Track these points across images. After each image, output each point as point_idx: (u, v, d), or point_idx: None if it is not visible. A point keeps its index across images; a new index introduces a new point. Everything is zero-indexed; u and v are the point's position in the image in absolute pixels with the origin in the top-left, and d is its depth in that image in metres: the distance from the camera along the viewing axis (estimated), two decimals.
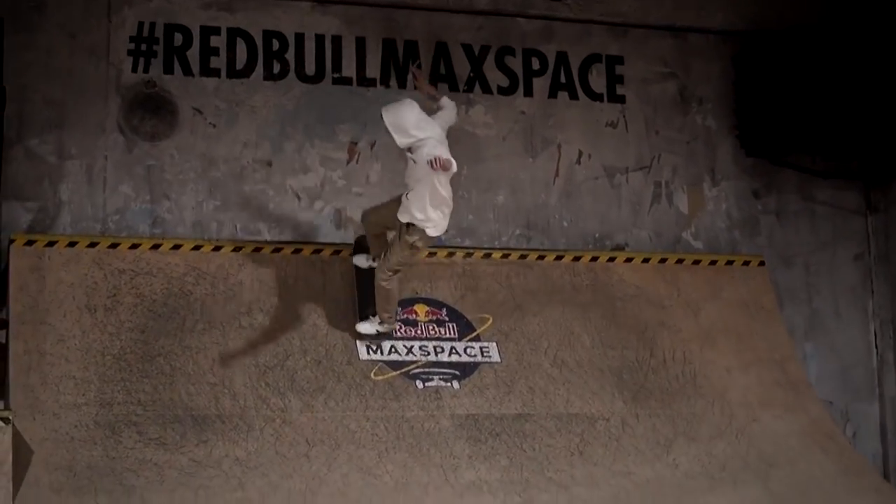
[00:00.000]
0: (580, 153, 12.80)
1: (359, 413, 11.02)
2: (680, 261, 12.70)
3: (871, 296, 13.36)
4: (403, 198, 10.27)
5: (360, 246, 11.52)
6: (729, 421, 11.72)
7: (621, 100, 13.00)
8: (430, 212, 10.13)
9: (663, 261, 12.63)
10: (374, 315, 11.15)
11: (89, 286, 11.25)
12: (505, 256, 12.26)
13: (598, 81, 12.93)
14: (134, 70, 12.00)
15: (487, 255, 12.18)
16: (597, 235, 12.83)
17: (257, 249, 11.78)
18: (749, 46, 13.17)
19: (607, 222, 12.91)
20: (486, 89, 12.71)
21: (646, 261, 12.57)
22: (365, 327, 11.26)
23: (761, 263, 12.85)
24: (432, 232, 10.31)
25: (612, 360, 11.92)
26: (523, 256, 12.32)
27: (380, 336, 11.28)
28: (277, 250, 11.85)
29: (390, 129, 10.02)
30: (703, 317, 12.39)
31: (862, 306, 13.35)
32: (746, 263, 12.84)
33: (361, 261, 11.41)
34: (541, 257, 12.35)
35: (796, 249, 13.22)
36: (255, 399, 10.95)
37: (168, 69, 12.07)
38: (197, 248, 11.67)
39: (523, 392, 11.50)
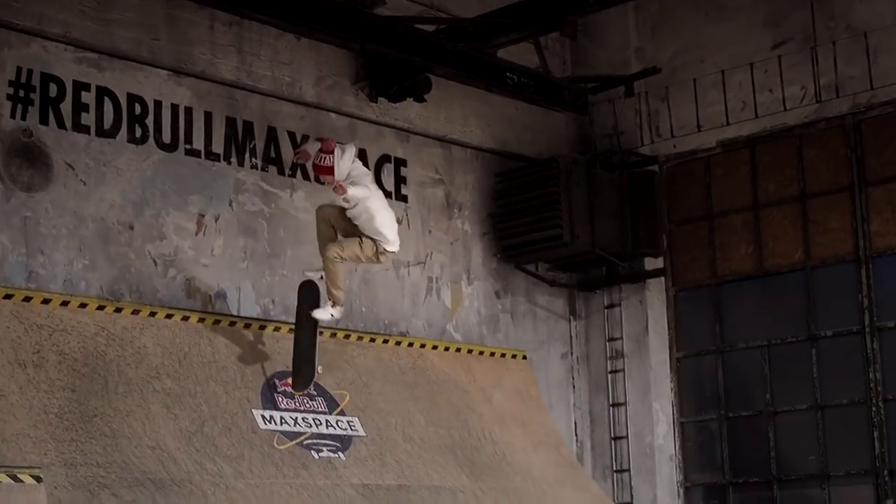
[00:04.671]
0: None
1: (280, 480, 11.28)
2: (447, 348, 13.94)
3: (572, 390, 15.35)
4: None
5: (309, 294, 11.83)
6: (543, 496, 13.15)
7: (405, 199, 14.09)
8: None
9: (458, 350, 13.88)
10: (329, 302, 11.61)
11: (14, 340, 10.64)
12: (346, 336, 12.92)
13: (388, 180, 13.91)
14: (13, 116, 11.35)
15: (333, 335, 12.75)
16: (386, 322, 13.75)
17: (153, 314, 11.64)
18: (501, 164, 14.83)
19: (393, 310, 13.86)
20: (306, 176, 13.30)
21: (434, 347, 13.72)
22: (321, 313, 11.64)
23: (524, 357, 14.44)
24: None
25: (442, 437, 12.90)
26: (360, 338, 13.03)
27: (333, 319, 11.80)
28: (169, 316, 11.76)
29: None
30: (495, 402, 13.73)
31: (566, 399, 15.29)
32: (514, 357, 14.36)
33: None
34: (371, 339, 13.12)
35: (524, 346, 14.88)
36: (192, 464, 10.87)
37: (44, 119, 11.54)
38: (101, 307, 11.33)
39: (392, 465, 12.21)
